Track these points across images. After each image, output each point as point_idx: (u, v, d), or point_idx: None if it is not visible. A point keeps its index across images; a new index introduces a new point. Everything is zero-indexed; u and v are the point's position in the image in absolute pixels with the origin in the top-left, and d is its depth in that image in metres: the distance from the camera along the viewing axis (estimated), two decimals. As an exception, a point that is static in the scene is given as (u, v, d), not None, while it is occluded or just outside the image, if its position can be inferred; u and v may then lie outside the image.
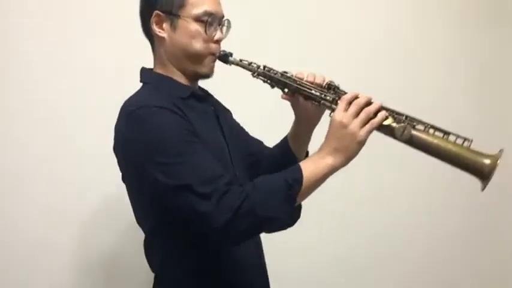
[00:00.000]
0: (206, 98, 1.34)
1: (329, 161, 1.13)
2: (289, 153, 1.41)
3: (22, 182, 1.75)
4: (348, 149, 1.12)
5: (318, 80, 1.24)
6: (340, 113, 1.13)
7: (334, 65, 1.82)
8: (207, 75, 1.30)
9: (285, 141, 1.43)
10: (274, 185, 1.10)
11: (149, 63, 1.32)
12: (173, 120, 1.14)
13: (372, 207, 2.23)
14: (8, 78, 1.75)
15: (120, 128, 1.19)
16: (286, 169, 1.15)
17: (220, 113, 1.36)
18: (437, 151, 1.12)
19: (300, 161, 1.40)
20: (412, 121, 1.15)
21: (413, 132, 1.13)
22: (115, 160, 1.24)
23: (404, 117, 1.15)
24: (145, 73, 1.30)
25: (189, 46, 1.23)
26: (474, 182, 1.13)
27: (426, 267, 2.37)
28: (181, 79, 1.28)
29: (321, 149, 1.16)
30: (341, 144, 1.12)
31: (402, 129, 1.13)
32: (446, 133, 1.15)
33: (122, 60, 1.79)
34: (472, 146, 1.13)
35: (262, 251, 1.37)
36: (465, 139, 1.14)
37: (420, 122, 1.16)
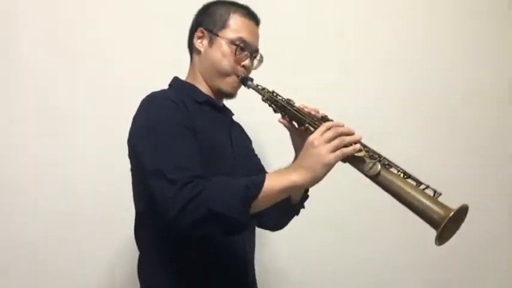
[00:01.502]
0: (222, 110, 1.46)
1: (292, 176, 1.15)
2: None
3: (26, 185, 1.80)
4: (312, 169, 1.13)
5: (317, 114, 1.30)
6: (315, 135, 1.16)
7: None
8: (230, 94, 1.45)
9: None
10: (233, 185, 1.15)
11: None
12: (171, 110, 1.27)
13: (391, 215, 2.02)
14: (9, 80, 1.81)
15: (135, 115, 1.35)
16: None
17: (234, 128, 1.47)
18: (398, 193, 1.09)
19: (296, 202, 1.44)
20: (386, 161, 1.14)
21: (382, 171, 1.11)
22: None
23: (378, 156, 1.15)
24: (176, 80, 1.49)
25: (218, 62, 1.41)
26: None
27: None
28: (205, 90, 1.44)
29: (289, 165, 1.20)
30: (307, 163, 1.14)
31: (371, 164, 1.12)
32: (418, 182, 1.11)
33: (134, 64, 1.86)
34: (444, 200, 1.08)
35: (252, 247, 1.41)
36: (435, 191, 1.09)
37: (394, 165, 1.14)
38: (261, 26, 1.47)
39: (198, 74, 1.45)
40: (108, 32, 1.89)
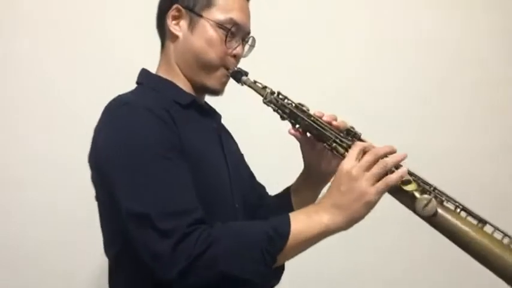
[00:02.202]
0: (210, 113, 1.14)
1: (324, 219, 0.89)
2: (289, 210, 1.16)
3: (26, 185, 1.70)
4: (351, 209, 0.88)
5: (338, 124, 1.02)
6: (351, 162, 0.90)
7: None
8: (216, 91, 1.12)
9: (286, 195, 1.20)
10: (251, 234, 0.87)
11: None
12: (156, 128, 0.94)
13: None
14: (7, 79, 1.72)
15: (98, 128, 1.01)
16: (272, 218, 0.92)
17: (223, 134, 1.16)
18: (465, 240, 0.86)
19: None
20: (440, 195, 0.90)
21: (440, 209, 0.88)
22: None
23: (431, 188, 0.91)
24: (144, 74, 1.13)
25: (203, 52, 1.06)
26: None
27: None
28: (185, 87, 1.10)
29: (319, 201, 0.93)
30: (344, 201, 0.88)
31: (426, 201, 0.88)
32: (482, 221, 0.89)
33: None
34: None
35: None
36: (505, 234, 0.87)
37: (450, 199, 0.91)
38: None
39: (175, 65, 1.10)
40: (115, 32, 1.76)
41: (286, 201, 1.19)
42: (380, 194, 0.87)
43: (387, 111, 1.89)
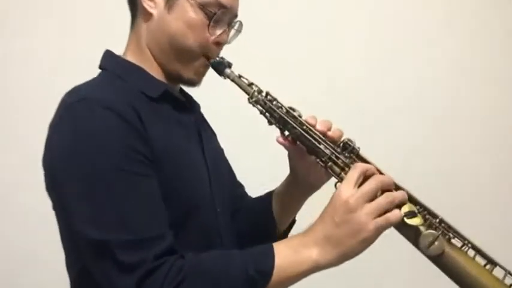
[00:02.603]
0: (186, 106, 0.98)
1: (313, 254, 0.77)
2: (269, 217, 1.05)
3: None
4: (345, 245, 0.76)
5: (333, 134, 0.88)
6: (349, 189, 0.77)
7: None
8: (192, 83, 0.96)
9: (267, 200, 1.07)
10: (228, 273, 0.75)
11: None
12: (117, 132, 0.78)
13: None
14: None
15: (52, 125, 0.84)
16: (253, 249, 0.79)
17: (203, 129, 1.01)
18: (471, 285, 0.76)
19: (281, 231, 1.06)
20: (447, 230, 0.79)
21: (447, 248, 0.77)
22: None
23: (437, 222, 0.79)
24: (108, 57, 0.95)
25: (180, 36, 0.90)
26: None
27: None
28: (157, 74, 0.93)
29: (309, 230, 0.80)
30: (337, 235, 0.76)
31: (432, 238, 0.76)
32: (492, 262, 0.79)
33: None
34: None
35: None
36: (516, 279, 0.77)
37: (458, 234, 0.79)
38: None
39: (145, 49, 0.93)
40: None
41: (266, 208, 1.06)
42: (379, 232, 0.76)
43: (387, 111, 1.80)
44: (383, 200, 0.76)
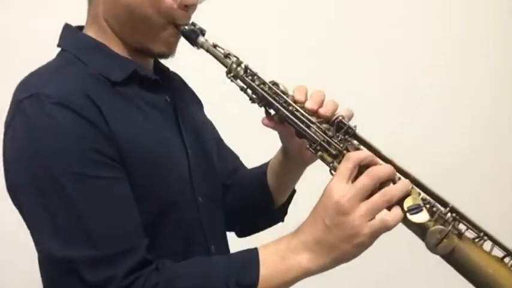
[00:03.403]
0: (158, 84, 0.85)
1: (303, 260, 0.68)
2: (265, 191, 0.96)
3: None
4: (338, 250, 0.67)
5: (326, 111, 0.76)
6: (341, 187, 0.66)
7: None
8: (164, 55, 0.84)
9: (262, 172, 0.98)
10: (208, 286, 0.66)
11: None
12: (75, 132, 0.68)
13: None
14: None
15: (6, 124, 0.74)
16: (236, 257, 0.71)
17: (181, 107, 0.88)
18: (487, 284, 0.67)
19: (279, 203, 0.97)
20: (459, 221, 0.68)
21: (459, 244, 0.67)
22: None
23: (447, 211, 0.69)
24: (67, 34, 0.83)
25: (138, 6, 0.76)
26: None
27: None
28: (122, 51, 0.81)
29: (298, 232, 0.70)
30: (329, 239, 0.67)
31: (440, 235, 0.66)
32: (509, 253, 0.69)
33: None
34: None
35: None
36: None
37: (472, 225, 0.69)
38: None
39: (104, 23, 0.81)
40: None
41: (261, 181, 0.97)
42: (376, 236, 0.66)
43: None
44: (379, 198, 0.66)
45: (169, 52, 0.83)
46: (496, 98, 1.88)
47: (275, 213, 0.99)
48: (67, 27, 0.83)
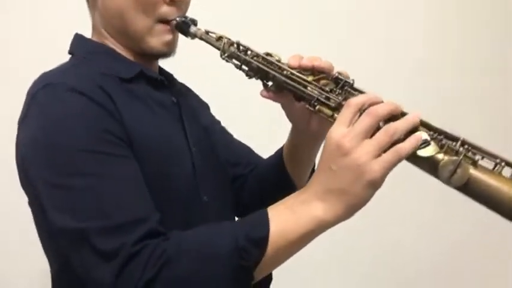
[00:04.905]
0: (164, 84, 0.89)
1: (316, 210, 0.66)
2: (284, 175, 0.95)
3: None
4: (350, 193, 0.65)
5: (320, 64, 0.76)
6: (340, 129, 0.65)
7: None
8: (165, 53, 0.87)
9: (279, 156, 0.97)
10: (216, 246, 0.66)
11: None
12: (88, 114, 0.72)
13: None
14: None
15: (20, 121, 0.79)
16: (245, 218, 0.70)
17: (186, 108, 0.91)
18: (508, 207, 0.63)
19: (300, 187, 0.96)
20: (472, 150, 0.65)
21: (474, 173, 0.64)
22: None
23: (458, 144, 0.66)
24: (77, 41, 0.89)
25: (125, 10, 0.82)
26: None
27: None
28: (128, 55, 0.86)
29: (307, 186, 0.69)
30: (338, 184, 0.65)
31: (452, 166, 0.63)
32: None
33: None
34: None
35: None
36: None
37: (486, 153, 0.66)
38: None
39: (105, 32, 0.87)
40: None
41: (278, 166, 0.96)
42: (387, 170, 0.63)
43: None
44: (382, 133, 0.64)
45: (168, 50, 0.87)
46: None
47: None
48: (77, 36, 0.89)
